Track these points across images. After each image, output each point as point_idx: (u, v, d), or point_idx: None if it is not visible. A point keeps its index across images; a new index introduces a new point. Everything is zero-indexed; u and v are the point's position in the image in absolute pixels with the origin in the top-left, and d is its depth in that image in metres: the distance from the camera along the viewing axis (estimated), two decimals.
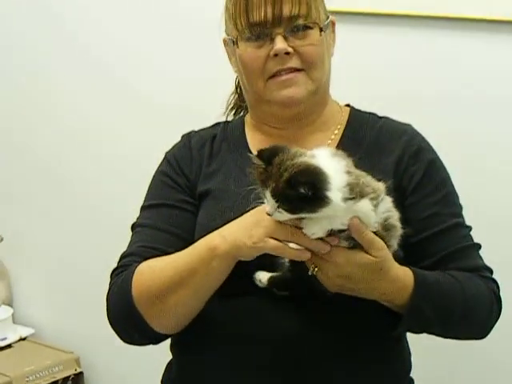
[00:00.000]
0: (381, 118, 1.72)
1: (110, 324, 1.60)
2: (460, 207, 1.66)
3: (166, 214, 1.64)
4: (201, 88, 2.50)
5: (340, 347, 1.51)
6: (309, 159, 1.37)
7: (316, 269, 1.43)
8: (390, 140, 1.65)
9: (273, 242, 1.41)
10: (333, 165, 1.37)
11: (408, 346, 1.66)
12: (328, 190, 1.32)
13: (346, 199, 1.34)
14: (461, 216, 1.65)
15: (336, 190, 1.34)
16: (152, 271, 1.54)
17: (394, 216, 1.45)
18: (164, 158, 1.74)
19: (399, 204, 1.50)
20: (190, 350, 1.58)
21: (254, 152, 1.45)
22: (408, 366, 1.64)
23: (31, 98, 2.97)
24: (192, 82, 2.55)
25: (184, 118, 2.23)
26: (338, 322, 1.51)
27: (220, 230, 1.50)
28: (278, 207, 1.35)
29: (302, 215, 1.36)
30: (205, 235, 1.53)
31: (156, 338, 1.59)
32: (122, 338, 1.61)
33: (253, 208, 1.46)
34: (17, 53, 2.98)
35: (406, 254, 1.53)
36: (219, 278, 1.50)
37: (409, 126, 1.71)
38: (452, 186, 1.66)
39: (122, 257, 1.64)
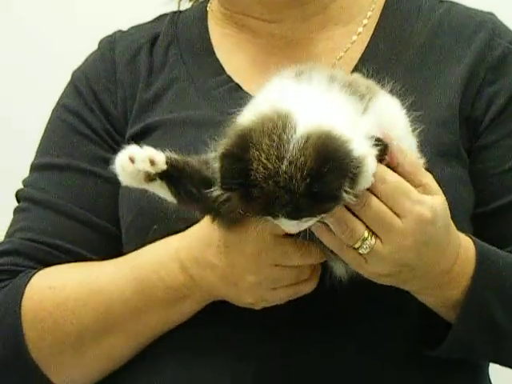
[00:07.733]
0: (442, 0, 1.15)
1: None
2: None
3: (70, 185, 1.10)
4: None
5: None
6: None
7: (374, 241, 0.87)
8: (458, 38, 1.10)
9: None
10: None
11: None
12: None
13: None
14: None
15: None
16: (61, 301, 1.03)
17: None
18: (70, 82, 1.19)
19: (468, 147, 1.04)
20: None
21: (227, 66, 1.08)
22: None
23: None
24: None
25: None
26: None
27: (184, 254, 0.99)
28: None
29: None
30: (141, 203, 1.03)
31: None
32: None
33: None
34: None
35: (476, 234, 1.02)
36: (184, 318, 1.02)
37: (491, 15, 1.14)
38: None
39: (1, 252, 1.09)
